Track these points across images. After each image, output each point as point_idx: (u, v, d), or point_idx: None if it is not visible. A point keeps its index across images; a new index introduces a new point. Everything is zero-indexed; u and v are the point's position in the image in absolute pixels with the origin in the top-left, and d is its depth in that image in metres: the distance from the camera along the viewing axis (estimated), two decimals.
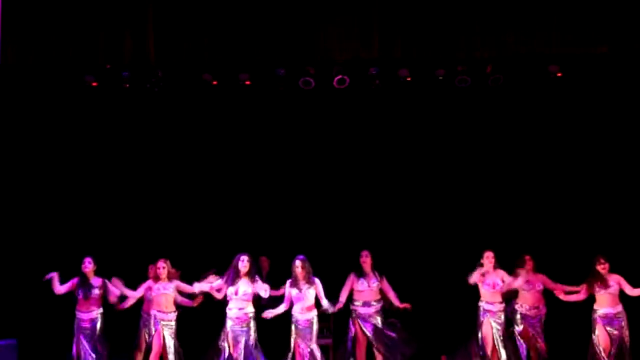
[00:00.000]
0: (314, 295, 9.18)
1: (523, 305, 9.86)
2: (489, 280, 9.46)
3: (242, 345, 8.99)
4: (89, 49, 10.09)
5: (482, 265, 9.50)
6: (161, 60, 10.20)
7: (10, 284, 11.10)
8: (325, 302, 9.13)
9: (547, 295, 9.95)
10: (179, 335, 9.56)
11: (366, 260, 9.91)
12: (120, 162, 11.82)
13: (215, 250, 10.79)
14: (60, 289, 9.59)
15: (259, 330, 9.22)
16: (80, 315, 9.58)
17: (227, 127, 11.90)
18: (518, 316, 9.86)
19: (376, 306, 9.87)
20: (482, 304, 9.53)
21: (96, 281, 9.61)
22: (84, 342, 9.52)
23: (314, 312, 9.19)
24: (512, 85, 10.97)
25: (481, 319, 9.50)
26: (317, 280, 9.21)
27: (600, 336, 9.33)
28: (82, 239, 11.22)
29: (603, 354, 9.26)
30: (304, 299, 9.13)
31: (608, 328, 9.31)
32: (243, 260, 9.09)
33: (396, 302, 9.84)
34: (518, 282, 9.47)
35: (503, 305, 9.54)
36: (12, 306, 10.94)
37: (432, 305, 11.25)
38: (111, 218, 11.64)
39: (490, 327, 9.43)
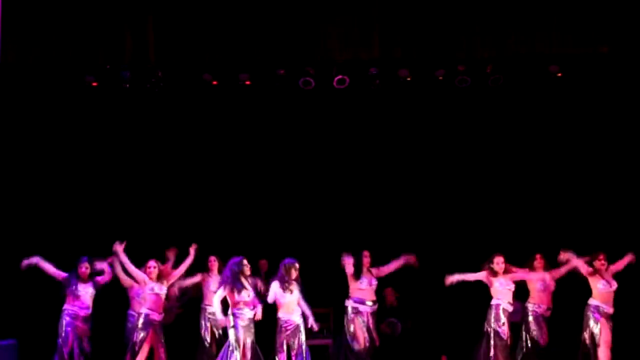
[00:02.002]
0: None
1: (541, 306, 9.78)
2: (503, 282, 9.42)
3: (249, 346, 8.96)
4: (89, 49, 10.10)
5: (492, 269, 9.35)
6: (161, 60, 10.21)
7: (10, 284, 11.09)
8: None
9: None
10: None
11: (367, 261, 9.93)
12: (120, 162, 11.82)
13: (214, 251, 10.78)
14: (51, 270, 9.25)
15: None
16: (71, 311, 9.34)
17: (227, 127, 11.90)
18: (531, 317, 9.78)
19: (372, 307, 9.89)
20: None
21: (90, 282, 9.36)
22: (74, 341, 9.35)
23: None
24: (512, 85, 10.97)
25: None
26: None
27: (603, 329, 9.17)
28: (82, 239, 11.21)
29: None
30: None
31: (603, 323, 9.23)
32: None
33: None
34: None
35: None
36: (12, 306, 10.94)
37: (432, 305, 11.26)
38: (111, 218, 11.63)
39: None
